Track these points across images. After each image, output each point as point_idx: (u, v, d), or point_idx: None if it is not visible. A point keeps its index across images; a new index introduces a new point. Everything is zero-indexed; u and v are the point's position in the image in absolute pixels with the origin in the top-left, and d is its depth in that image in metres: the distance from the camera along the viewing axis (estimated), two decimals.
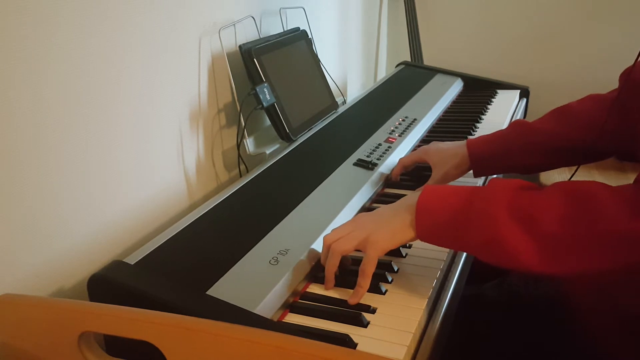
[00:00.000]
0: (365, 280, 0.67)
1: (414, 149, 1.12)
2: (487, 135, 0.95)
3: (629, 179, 1.45)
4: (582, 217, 0.57)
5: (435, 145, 0.97)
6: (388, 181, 0.98)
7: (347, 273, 0.71)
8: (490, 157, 0.92)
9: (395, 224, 0.67)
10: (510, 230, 0.59)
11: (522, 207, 0.60)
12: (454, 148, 0.94)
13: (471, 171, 0.95)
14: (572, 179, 0.94)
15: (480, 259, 0.63)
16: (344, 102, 1.35)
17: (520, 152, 0.91)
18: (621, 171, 1.50)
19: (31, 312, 0.58)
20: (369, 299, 0.67)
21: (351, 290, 0.68)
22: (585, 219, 0.57)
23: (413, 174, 1.00)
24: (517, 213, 0.60)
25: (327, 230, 0.77)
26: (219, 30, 0.99)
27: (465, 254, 0.78)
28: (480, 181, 0.98)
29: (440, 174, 0.92)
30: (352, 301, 0.66)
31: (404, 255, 0.76)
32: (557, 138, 0.89)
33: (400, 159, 1.00)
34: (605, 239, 0.56)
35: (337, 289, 0.69)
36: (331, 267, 0.69)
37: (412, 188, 0.95)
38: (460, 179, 0.95)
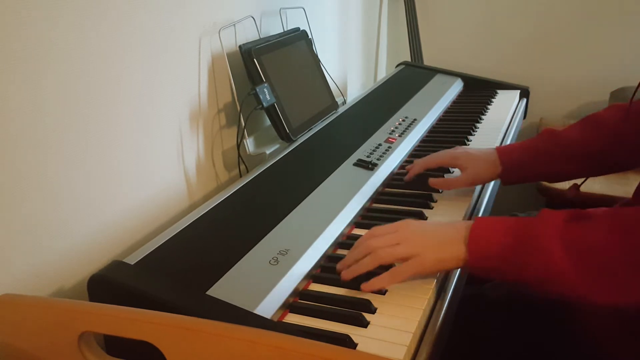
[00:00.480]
0: (391, 281, 0.68)
1: (414, 149, 1.12)
2: (516, 143, 0.95)
3: (628, 179, 1.45)
4: (633, 248, 0.58)
5: (464, 149, 0.96)
6: (389, 181, 0.98)
7: None
8: (522, 164, 0.91)
9: (446, 253, 0.68)
10: (566, 265, 0.60)
11: (575, 240, 0.61)
12: (484, 154, 0.93)
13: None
14: (581, 185, 0.95)
15: (537, 292, 0.64)
16: (344, 102, 1.35)
17: (551, 160, 0.90)
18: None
19: (31, 312, 0.58)
20: (369, 298, 0.67)
21: (352, 290, 0.68)
22: (636, 249, 0.58)
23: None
24: (571, 247, 0.60)
25: (327, 230, 0.77)
26: (219, 30, 0.99)
27: None
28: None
29: (471, 177, 0.91)
30: (365, 288, 0.68)
31: None
32: (585, 146, 0.89)
33: (423, 160, 0.97)
34: None
35: (338, 289, 0.69)
36: (364, 269, 0.69)
37: (413, 188, 0.95)
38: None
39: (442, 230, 0.70)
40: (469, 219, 0.88)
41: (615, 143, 0.85)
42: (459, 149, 0.97)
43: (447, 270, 0.70)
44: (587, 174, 0.91)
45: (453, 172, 1.00)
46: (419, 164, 0.97)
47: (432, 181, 0.93)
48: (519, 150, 0.92)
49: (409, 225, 0.72)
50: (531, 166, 0.91)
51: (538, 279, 0.62)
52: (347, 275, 0.69)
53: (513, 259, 0.63)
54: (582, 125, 0.92)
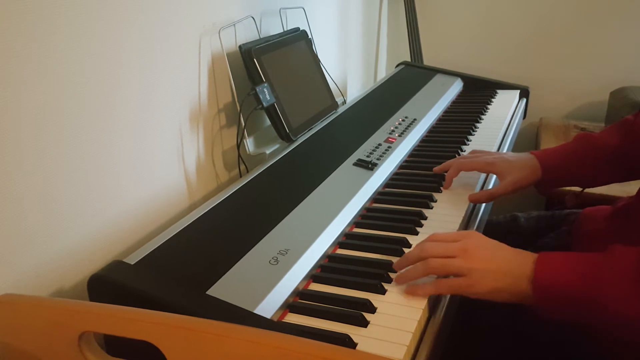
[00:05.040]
0: (434, 292, 0.67)
1: (414, 149, 1.12)
2: (552, 148, 0.94)
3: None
4: None
5: (499, 155, 0.94)
6: (389, 180, 0.98)
7: (351, 274, 0.71)
8: (563, 168, 0.90)
9: (505, 284, 0.64)
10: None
11: None
12: (522, 160, 0.91)
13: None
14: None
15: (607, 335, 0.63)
16: (344, 102, 1.35)
17: (591, 164, 0.90)
18: None
19: (31, 312, 0.58)
20: (369, 298, 0.67)
21: (352, 290, 0.68)
22: None
23: (412, 175, 1.00)
24: None
25: (327, 230, 0.77)
26: (219, 30, 0.99)
27: None
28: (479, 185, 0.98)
29: (511, 184, 0.89)
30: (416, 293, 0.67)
31: None
32: (620, 150, 0.88)
33: (458, 163, 0.95)
34: None
35: (338, 289, 0.69)
36: (413, 277, 0.67)
37: (412, 188, 0.95)
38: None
39: (506, 257, 0.66)
40: (470, 216, 0.88)
41: None
42: (495, 157, 0.93)
43: (499, 302, 0.65)
44: (623, 178, 0.90)
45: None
46: (455, 168, 0.94)
47: (473, 197, 0.90)
48: (559, 154, 0.91)
49: (472, 238, 0.68)
50: (572, 171, 0.90)
51: (615, 326, 0.60)
52: (399, 281, 0.69)
53: (587, 306, 0.60)
54: (616, 129, 0.91)
